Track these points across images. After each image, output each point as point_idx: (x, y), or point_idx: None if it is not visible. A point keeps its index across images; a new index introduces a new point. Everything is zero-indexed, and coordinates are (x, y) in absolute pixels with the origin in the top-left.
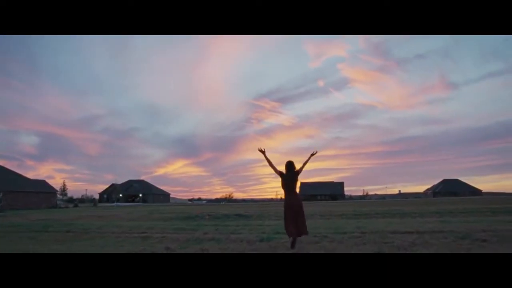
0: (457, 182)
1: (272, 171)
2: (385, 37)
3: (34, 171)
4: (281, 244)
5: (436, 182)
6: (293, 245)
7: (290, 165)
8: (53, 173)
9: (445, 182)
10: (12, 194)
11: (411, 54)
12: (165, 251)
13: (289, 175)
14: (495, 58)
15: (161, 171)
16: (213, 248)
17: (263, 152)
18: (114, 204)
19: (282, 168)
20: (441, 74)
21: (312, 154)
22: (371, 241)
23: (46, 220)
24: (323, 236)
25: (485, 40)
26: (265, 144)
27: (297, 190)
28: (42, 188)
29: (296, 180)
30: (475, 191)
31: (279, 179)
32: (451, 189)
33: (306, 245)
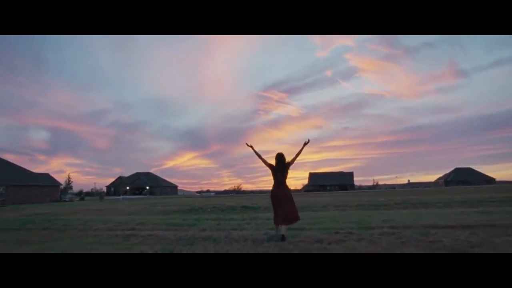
0: (469, 170)
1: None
2: None
3: (46, 166)
4: (296, 246)
5: (446, 171)
6: (283, 238)
7: (280, 157)
8: (64, 168)
9: (457, 170)
10: (15, 188)
11: (419, 42)
12: None
13: (279, 167)
14: (505, 45)
15: (170, 164)
16: (206, 251)
17: (251, 146)
18: (120, 197)
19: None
20: (450, 61)
21: (305, 143)
22: (411, 239)
23: (40, 214)
24: (347, 232)
25: None
26: (273, 135)
27: (287, 181)
28: (45, 182)
29: (286, 172)
30: (489, 180)
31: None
32: (463, 177)
33: (328, 246)
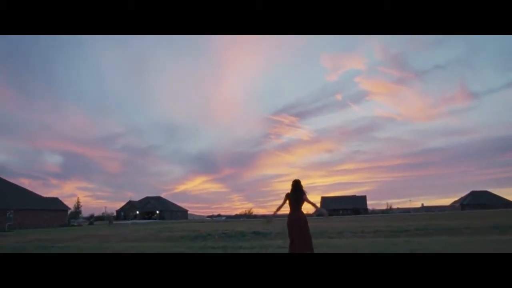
0: (486, 193)
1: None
2: (402, 48)
3: (58, 190)
4: None
5: (460, 194)
6: None
7: (296, 184)
8: (76, 192)
9: (473, 194)
10: (23, 212)
11: (430, 65)
12: None
13: (294, 194)
14: None
15: (181, 188)
16: None
17: (270, 221)
18: (130, 221)
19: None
20: (461, 84)
21: (320, 214)
22: None
23: (41, 240)
24: None
25: (505, 48)
26: (284, 159)
27: (302, 209)
28: (54, 206)
29: (301, 200)
30: (507, 203)
31: None
32: (480, 201)
33: None
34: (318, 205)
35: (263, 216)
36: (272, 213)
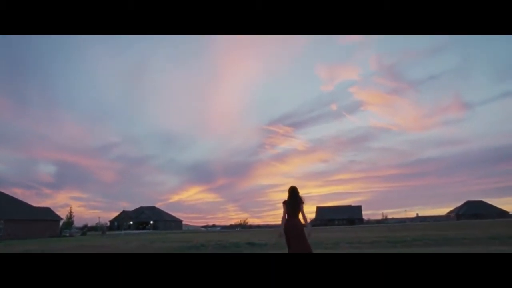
0: (481, 203)
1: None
2: (396, 59)
3: (51, 200)
4: None
5: (456, 204)
6: None
7: (292, 191)
8: (69, 201)
9: (469, 203)
10: (14, 223)
11: (424, 75)
12: None
13: (291, 201)
14: (510, 76)
15: (175, 198)
16: None
17: (282, 235)
18: (122, 232)
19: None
20: (455, 94)
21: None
22: None
23: (30, 251)
24: None
25: (498, 59)
26: (279, 169)
27: (300, 217)
28: (46, 216)
29: (298, 207)
30: (502, 213)
31: None
32: (475, 211)
33: None
34: (314, 215)
35: (258, 226)
36: (279, 224)
